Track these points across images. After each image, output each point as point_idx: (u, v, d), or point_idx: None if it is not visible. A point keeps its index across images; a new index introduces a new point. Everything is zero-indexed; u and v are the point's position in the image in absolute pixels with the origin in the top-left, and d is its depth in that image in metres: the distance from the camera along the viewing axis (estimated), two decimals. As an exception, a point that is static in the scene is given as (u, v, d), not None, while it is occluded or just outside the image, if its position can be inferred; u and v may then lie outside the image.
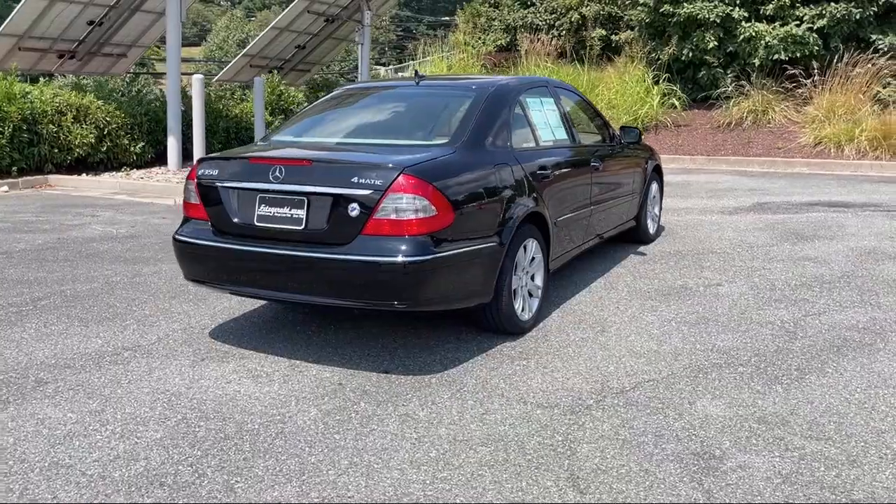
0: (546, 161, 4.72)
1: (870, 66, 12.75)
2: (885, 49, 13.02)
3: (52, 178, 11.54)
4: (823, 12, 13.40)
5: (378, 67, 35.49)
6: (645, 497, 2.74)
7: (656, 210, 7.08)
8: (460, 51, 20.79)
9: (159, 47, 21.75)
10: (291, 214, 3.86)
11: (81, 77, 14.63)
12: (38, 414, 3.45)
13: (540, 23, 20.56)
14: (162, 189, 10.60)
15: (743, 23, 13.79)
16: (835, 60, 13.12)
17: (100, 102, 12.38)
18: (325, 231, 3.78)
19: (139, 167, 12.68)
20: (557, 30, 19.74)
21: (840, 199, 9.26)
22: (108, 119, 12.27)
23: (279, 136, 4.73)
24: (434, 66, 20.94)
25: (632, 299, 5.19)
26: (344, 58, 33.85)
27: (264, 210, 3.93)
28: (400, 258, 3.62)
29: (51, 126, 11.51)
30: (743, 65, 14.06)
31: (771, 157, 12.78)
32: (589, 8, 18.81)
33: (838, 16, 13.26)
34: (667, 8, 14.29)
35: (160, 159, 12.82)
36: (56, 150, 11.68)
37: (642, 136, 5.97)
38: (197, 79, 11.69)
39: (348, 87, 5.41)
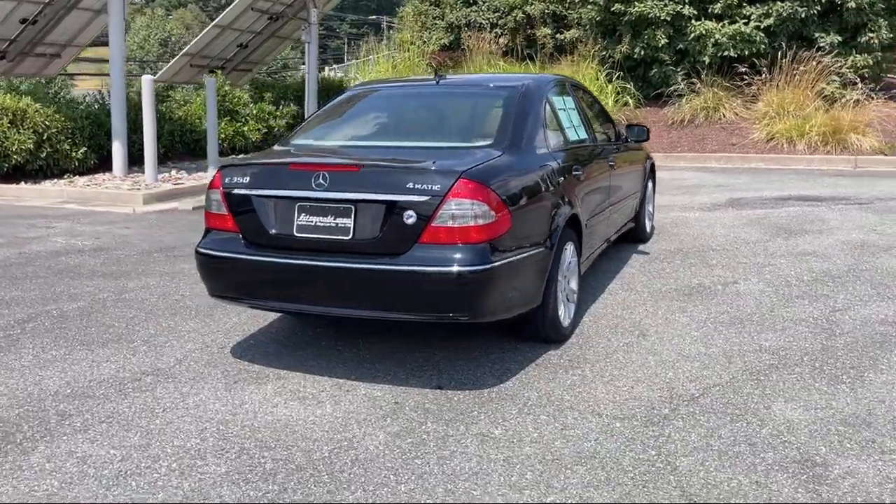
0: (577, 161, 4.59)
1: (815, 63, 13.15)
2: (828, 47, 13.46)
3: (-11, 187, 10.77)
4: (770, 11, 13.76)
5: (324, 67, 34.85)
6: (769, 512, 2.63)
7: (650, 208, 7.06)
8: (405, 49, 20.53)
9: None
10: (336, 224, 3.59)
11: (12, 79, 13.75)
12: (76, 452, 3.10)
13: (483, 21, 20.48)
14: (115, 196, 10.01)
15: (693, 21, 14.03)
16: (780, 58, 13.48)
17: (38, 106, 11.62)
18: (375, 241, 3.53)
19: (81, 174, 11.94)
20: (501, 28, 19.72)
21: (809, 194, 9.48)
22: (47, 123, 11.52)
23: (301, 140, 4.44)
24: (379, 66, 20.63)
25: (656, 300, 5.11)
26: (283, 57, 33.14)
27: (304, 220, 3.65)
28: (461, 268, 3.41)
29: (-15, 132, 10.73)
30: (693, 62, 14.31)
31: (727, 152, 13.04)
32: (534, 7, 18.84)
33: (784, 14, 13.63)
34: (618, 7, 14.42)
35: (104, 165, 12.13)
36: (-9, 158, 10.90)
37: (650, 135, 5.91)
38: (147, 80, 11.10)
39: (361, 87, 5.12)
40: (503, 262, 3.53)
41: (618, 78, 15.06)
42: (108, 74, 12.86)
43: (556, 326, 4.16)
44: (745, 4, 14.00)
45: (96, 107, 12.96)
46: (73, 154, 11.92)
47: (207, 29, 16.09)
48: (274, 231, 3.71)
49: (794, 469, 2.91)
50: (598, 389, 3.67)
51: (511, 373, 3.90)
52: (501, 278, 3.54)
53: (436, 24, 22.18)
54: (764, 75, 13.53)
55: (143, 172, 11.21)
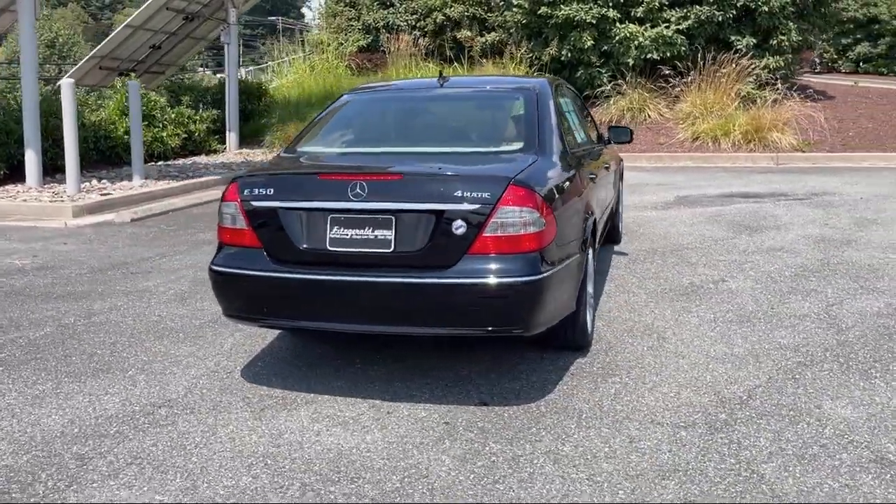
0: (589, 163, 4.52)
1: (733, 66, 13.69)
2: (744, 49, 14.05)
3: None
4: (688, 14, 14.23)
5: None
6: (874, 515, 2.61)
7: (621, 209, 7.10)
8: (321, 51, 20.08)
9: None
10: (375, 236, 3.37)
11: None
12: (115, 501, 2.76)
13: (402, 23, 20.34)
14: (39, 210, 9.24)
15: (617, 24, 14.34)
16: (700, 60, 13.96)
17: (-61, 113, 10.66)
18: (421, 253, 3.33)
19: (-11, 186, 11.04)
20: (421, 30, 19.61)
21: (749, 191, 9.81)
22: (-50, 132, 10.59)
23: (310, 148, 4.16)
24: (295, 69, 20.10)
25: (657, 301, 5.11)
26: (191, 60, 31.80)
27: (338, 232, 3.41)
28: (517, 278, 3.26)
29: None
30: (618, 64, 14.63)
31: (656, 152, 13.38)
32: (453, 9, 18.84)
33: (702, 17, 14.13)
34: (545, 10, 14.56)
35: (14, 176, 11.23)
36: None
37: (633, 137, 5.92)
38: (67, 84, 10.33)
39: (361, 90, 4.82)
40: (553, 270, 3.40)
41: (545, 80, 15.19)
42: None
43: (584, 333, 4.07)
44: (665, 8, 14.42)
45: (1, 114, 12.01)
46: (-22, 165, 11.00)
47: (119, 29, 15.22)
48: (306, 245, 3.44)
49: (875, 469, 2.91)
50: (645, 397, 3.60)
51: (550, 383, 3.78)
52: (552, 288, 3.41)
53: (352, 25, 21.86)
54: (686, 77, 13.97)
55: (61, 183, 10.47)
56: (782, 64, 14.38)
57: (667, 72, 14.23)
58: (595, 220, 4.34)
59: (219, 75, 34.17)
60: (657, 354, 4.15)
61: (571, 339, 4.03)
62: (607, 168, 5.30)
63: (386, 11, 21.00)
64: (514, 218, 3.28)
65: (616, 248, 6.71)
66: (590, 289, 4.38)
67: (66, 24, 51.26)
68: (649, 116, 14.31)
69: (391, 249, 3.36)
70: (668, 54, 14.26)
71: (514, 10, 15.47)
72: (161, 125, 14.60)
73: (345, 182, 3.38)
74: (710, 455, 3.04)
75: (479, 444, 3.17)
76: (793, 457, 3.02)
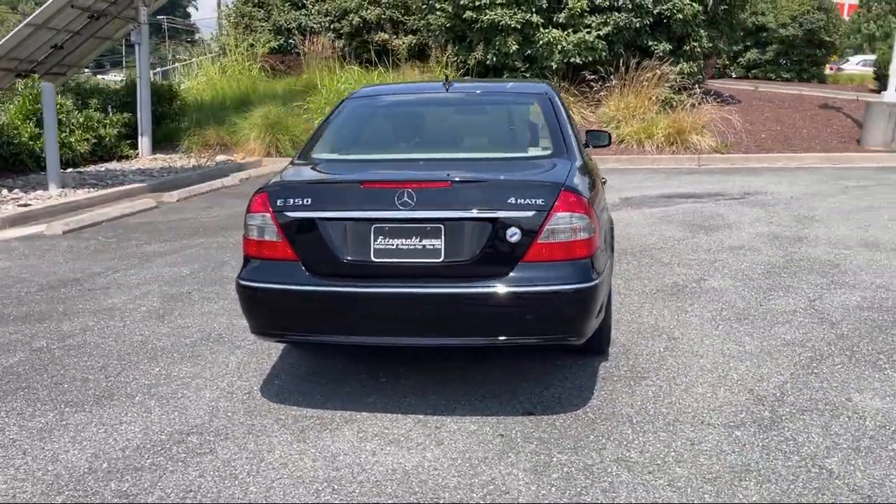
0: (597, 168, 4.54)
1: (653, 71, 14.18)
2: (661, 55, 14.57)
3: None
4: (608, 20, 14.62)
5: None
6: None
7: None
8: (229, 53, 19.42)
9: None
10: (423, 245, 3.25)
11: None
12: (190, 542, 2.54)
13: (315, 25, 19.98)
14: (-48, 222, 8.49)
15: (541, 29, 14.57)
16: (620, 65, 14.39)
17: None
18: (472, 262, 3.23)
19: None
20: (336, 32, 19.31)
21: (686, 191, 10.16)
22: None
23: (325, 155, 3.95)
24: (205, 70, 19.36)
25: (649, 301, 5.19)
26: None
27: (383, 243, 3.26)
28: (574, 286, 3.22)
29: None
30: (542, 68, 14.86)
31: (584, 154, 13.66)
32: (370, 11, 18.65)
33: (621, 24, 14.55)
34: (469, 14, 14.62)
35: None
36: None
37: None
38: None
39: (365, 95, 4.56)
40: (602, 276, 3.38)
41: (470, 83, 15.26)
42: None
43: (609, 337, 4.08)
44: (586, 14, 14.76)
45: None
46: None
47: (19, 28, 14.18)
48: (350, 257, 3.27)
49: (928, 457, 3.05)
50: (684, 399, 3.64)
51: (586, 389, 3.76)
52: (601, 294, 3.39)
53: (262, 26, 21.28)
54: (609, 81, 14.36)
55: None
56: (696, 69, 15.01)
57: (589, 76, 14.58)
58: (612, 223, 4.37)
59: (101, 76, 32.37)
60: (675, 355, 4.21)
61: (597, 344, 4.02)
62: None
63: (298, 12, 20.57)
64: (567, 224, 3.24)
65: (586, 250, 6.78)
66: (602, 292, 4.41)
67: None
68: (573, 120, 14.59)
69: (440, 259, 3.25)
70: (591, 59, 14.60)
71: (438, 13, 15.46)
72: (69, 129, 13.75)
73: (392, 190, 3.24)
74: (773, 454, 3.10)
75: (544, 456, 3.11)
76: (850, 450, 3.12)
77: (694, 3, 14.43)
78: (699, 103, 14.11)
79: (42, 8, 13.89)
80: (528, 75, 14.89)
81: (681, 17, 14.50)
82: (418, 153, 3.94)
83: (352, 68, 15.29)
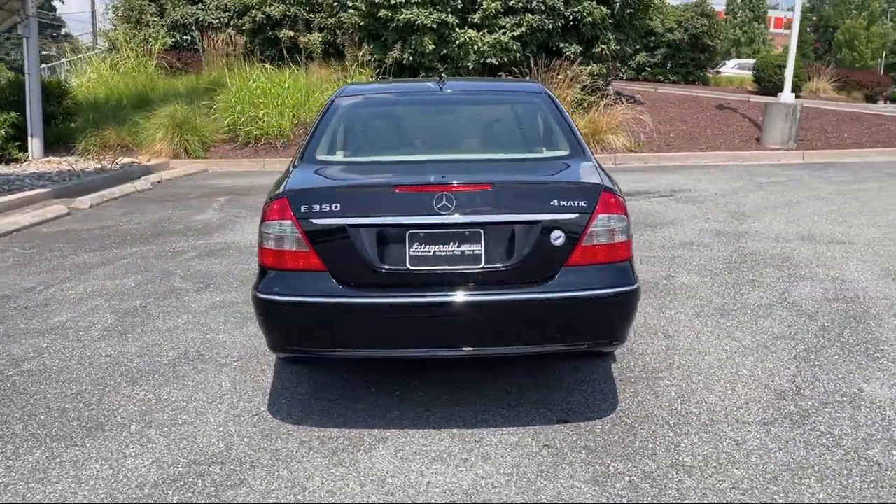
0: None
1: (566, 73, 14.43)
2: (572, 56, 14.87)
3: None
4: (521, 22, 14.78)
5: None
6: None
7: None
8: (122, 48, 18.30)
9: None
10: (462, 251, 3.08)
11: None
12: (265, 589, 2.28)
13: (214, 20, 19.18)
14: None
15: (457, 29, 14.54)
16: (534, 65, 14.58)
17: None
18: (514, 267, 3.09)
19: None
20: (237, 28, 18.59)
21: (614, 190, 10.37)
22: None
23: (329, 157, 3.70)
24: (95, 67, 18.15)
25: (630, 301, 5.21)
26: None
27: (419, 249, 3.07)
28: (620, 289, 3.15)
29: None
30: (458, 68, 14.83)
31: (504, 154, 13.73)
32: (274, 8, 18.06)
33: (534, 25, 14.74)
34: (384, 13, 14.41)
35: None
36: None
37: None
38: None
39: (358, 94, 4.24)
40: (638, 278, 3.32)
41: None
42: None
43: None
44: (500, 15, 14.86)
45: None
46: None
47: None
48: (387, 266, 3.06)
49: (958, 444, 3.17)
50: (708, 398, 3.64)
51: (609, 393, 3.70)
52: (639, 297, 3.33)
53: (154, 21, 20.22)
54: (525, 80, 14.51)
55: None
56: (604, 71, 15.41)
57: (505, 77, 14.67)
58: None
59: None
60: (680, 353, 4.22)
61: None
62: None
63: (195, 7, 19.68)
64: (608, 226, 3.16)
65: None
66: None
67: None
68: (490, 120, 14.65)
69: (481, 265, 3.10)
70: (506, 59, 14.71)
71: (351, 11, 15.16)
72: (-51, 131, 12.57)
73: (429, 194, 3.05)
74: (817, 449, 3.14)
75: (600, 466, 3.02)
76: (887, 441, 3.20)
77: (602, 7, 14.81)
78: (612, 104, 14.48)
79: (-85, -3, 12.63)
80: (444, 75, 14.83)
81: (590, 20, 14.85)
82: (443, 154, 3.71)
83: (263, 66, 14.71)
